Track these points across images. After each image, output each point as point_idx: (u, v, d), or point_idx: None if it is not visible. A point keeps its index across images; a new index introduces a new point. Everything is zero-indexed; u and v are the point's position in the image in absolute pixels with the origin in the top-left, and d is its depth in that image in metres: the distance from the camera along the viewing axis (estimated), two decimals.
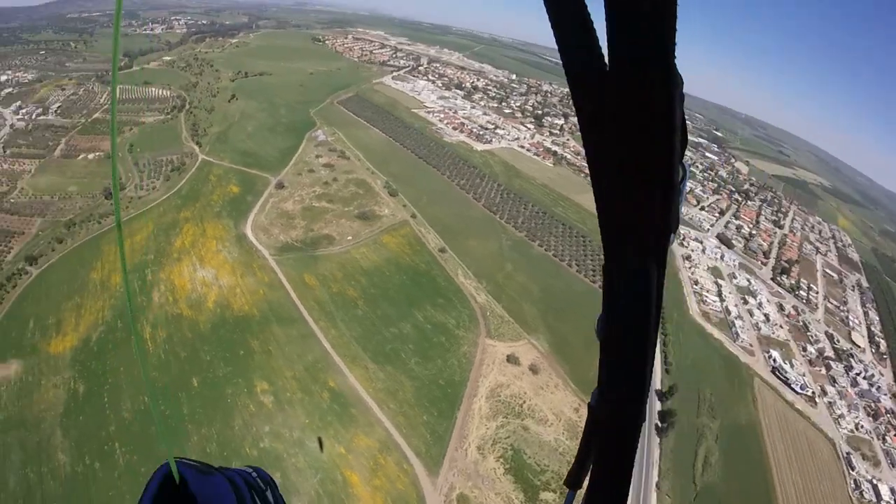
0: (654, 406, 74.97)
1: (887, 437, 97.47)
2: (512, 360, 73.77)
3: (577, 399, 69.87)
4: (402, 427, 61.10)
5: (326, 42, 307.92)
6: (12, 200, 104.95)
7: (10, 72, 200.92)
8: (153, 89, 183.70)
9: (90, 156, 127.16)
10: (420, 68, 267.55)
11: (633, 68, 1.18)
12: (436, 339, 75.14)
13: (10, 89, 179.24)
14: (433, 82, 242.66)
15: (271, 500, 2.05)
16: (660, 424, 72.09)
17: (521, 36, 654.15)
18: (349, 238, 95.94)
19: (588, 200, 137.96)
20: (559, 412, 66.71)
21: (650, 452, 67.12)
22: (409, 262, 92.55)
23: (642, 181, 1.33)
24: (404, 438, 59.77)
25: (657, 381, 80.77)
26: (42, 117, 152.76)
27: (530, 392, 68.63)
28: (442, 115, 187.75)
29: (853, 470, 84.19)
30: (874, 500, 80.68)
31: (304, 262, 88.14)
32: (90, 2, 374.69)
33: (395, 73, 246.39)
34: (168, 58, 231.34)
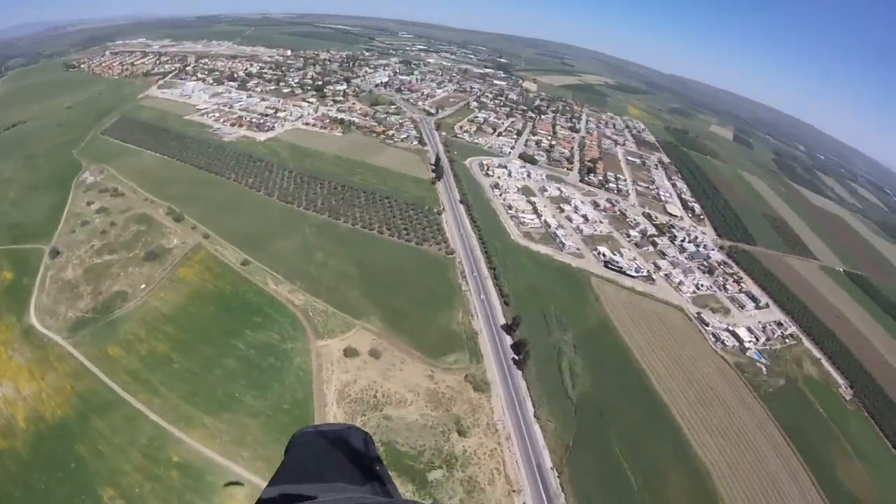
0: (505, 342, 77.91)
1: (727, 286, 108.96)
2: (349, 352, 70.04)
3: (428, 366, 70.16)
4: (264, 473, 55.99)
5: (82, 66, 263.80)
6: None
7: None
8: None
9: None
10: (187, 69, 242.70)
11: None
12: (265, 363, 68.88)
13: None
14: (203, 80, 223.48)
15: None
16: (516, 357, 74.40)
17: (293, 8, 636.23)
18: (143, 286, 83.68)
19: (383, 160, 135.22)
20: (414, 386, 66.25)
21: (517, 390, 69.52)
22: (212, 290, 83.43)
23: None
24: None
25: (499, 315, 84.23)
26: None
27: (379, 379, 66.75)
28: (217, 115, 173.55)
29: (707, 326, 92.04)
30: (736, 344, 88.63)
31: (102, 332, 74.62)
32: None
33: (160, 81, 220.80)
34: None
